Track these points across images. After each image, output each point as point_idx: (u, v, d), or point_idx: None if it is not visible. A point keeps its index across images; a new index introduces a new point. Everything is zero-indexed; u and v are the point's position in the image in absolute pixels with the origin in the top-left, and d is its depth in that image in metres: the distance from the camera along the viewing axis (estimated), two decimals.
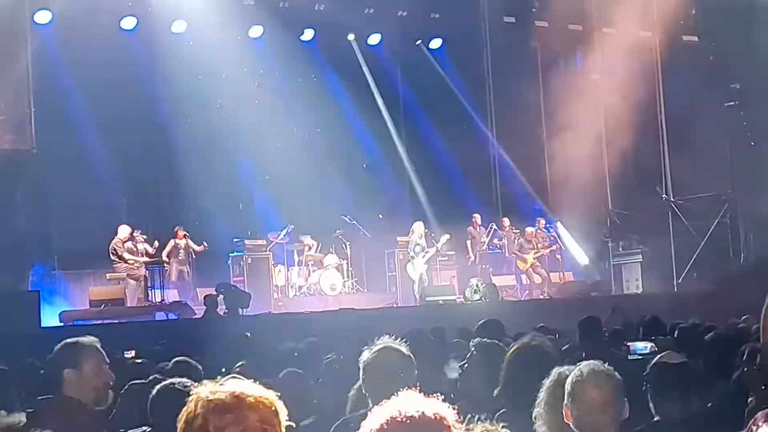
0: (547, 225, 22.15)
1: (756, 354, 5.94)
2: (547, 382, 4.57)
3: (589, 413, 4.16)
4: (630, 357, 6.99)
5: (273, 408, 2.50)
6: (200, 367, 6.61)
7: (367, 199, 22.85)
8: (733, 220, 24.06)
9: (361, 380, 5.10)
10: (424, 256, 20.20)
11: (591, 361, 4.43)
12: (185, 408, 2.49)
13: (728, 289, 21.83)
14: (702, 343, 7.67)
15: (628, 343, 7.27)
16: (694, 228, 23.58)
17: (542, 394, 4.56)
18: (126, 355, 9.29)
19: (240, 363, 7.41)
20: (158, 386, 4.82)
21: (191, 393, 2.51)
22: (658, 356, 5.46)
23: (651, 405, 5.13)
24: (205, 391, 2.49)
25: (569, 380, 4.25)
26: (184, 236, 19.71)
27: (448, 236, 20.57)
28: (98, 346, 4.89)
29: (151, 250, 18.83)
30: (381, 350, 5.03)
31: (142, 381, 5.97)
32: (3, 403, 5.46)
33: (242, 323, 15.52)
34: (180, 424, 2.47)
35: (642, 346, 7.03)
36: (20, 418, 4.30)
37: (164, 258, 19.25)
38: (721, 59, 25.39)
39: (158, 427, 4.74)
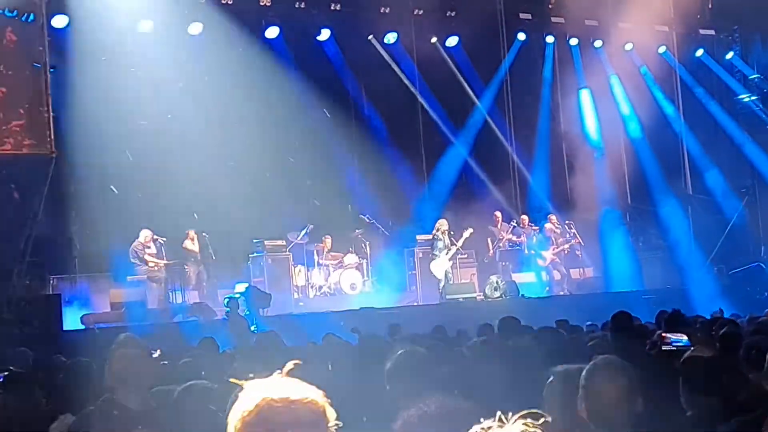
0: (567, 221, 22.05)
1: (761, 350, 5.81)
2: (552, 379, 4.51)
3: (603, 407, 4.10)
4: (664, 348, 6.98)
5: (322, 408, 2.46)
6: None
7: (385, 198, 22.84)
8: (752, 213, 23.99)
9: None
10: (447, 253, 20.13)
11: (605, 355, 4.39)
12: (240, 407, 2.44)
13: (749, 282, 21.84)
14: (719, 337, 7.65)
15: (663, 335, 7.23)
16: (714, 222, 23.52)
17: (547, 391, 4.50)
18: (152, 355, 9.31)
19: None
20: (184, 386, 4.84)
21: (234, 391, 2.47)
22: (690, 350, 5.42)
23: (682, 399, 5.09)
24: (259, 389, 2.45)
25: (583, 374, 4.18)
26: (194, 238, 19.67)
27: (471, 230, 20.38)
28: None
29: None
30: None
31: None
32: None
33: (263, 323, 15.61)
34: (235, 423, 2.42)
35: (678, 338, 7.02)
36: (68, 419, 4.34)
37: (185, 255, 19.31)
38: (739, 52, 25.32)
39: (182, 425, 4.75)
